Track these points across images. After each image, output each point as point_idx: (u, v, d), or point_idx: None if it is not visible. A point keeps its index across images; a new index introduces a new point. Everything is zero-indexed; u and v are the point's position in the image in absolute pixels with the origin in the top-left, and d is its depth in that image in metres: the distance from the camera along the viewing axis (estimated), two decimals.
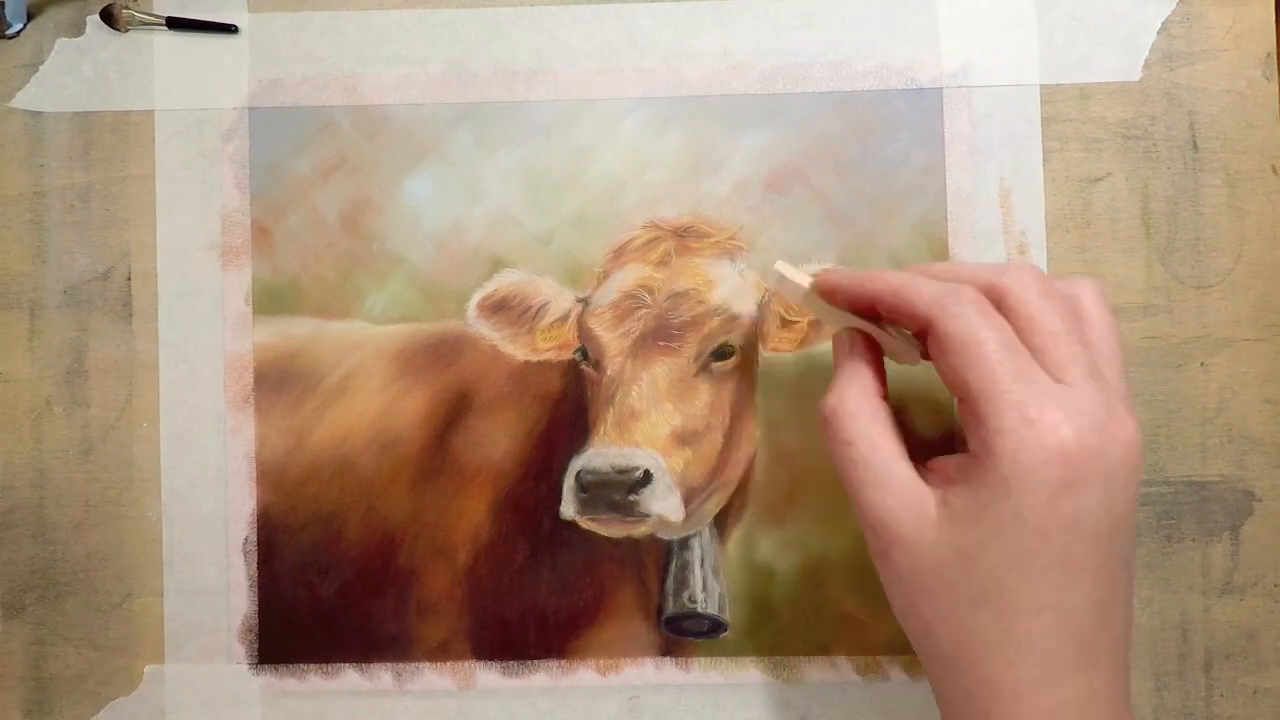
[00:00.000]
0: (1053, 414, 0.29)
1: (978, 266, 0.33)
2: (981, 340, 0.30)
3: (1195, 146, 0.41)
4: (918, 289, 0.31)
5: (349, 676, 0.40)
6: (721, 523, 0.40)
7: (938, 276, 0.32)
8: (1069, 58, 0.41)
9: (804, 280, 0.34)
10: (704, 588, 0.40)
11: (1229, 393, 0.40)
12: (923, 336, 0.32)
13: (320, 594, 0.40)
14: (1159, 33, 0.41)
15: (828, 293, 0.34)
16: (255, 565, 0.40)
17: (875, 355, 0.34)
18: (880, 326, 0.34)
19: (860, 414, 0.32)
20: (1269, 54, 0.41)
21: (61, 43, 0.41)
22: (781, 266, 0.35)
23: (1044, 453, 0.29)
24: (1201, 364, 0.40)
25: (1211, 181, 0.41)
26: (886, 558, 0.31)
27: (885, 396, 0.33)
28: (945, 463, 0.32)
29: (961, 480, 0.30)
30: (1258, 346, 0.40)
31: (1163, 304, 0.40)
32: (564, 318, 0.41)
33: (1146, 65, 0.41)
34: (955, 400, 0.31)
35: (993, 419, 0.29)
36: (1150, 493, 0.40)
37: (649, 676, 0.40)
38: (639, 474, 0.39)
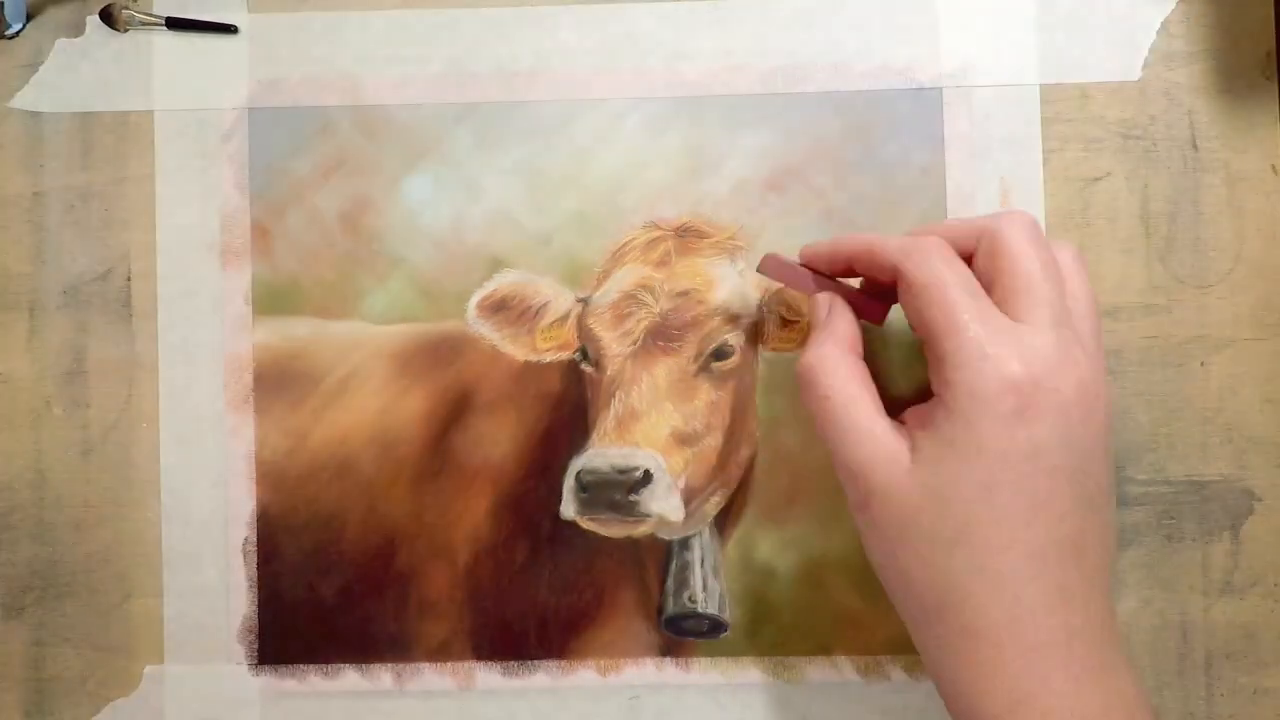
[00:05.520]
0: (1006, 349, 0.30)
1: (978, 217, 0.34)
2: (942, 283, 0.32)
3: (1195, 146, 0.41)
4: (886, 242, 0.34)
5: (349, 677, 0.40)
6: (721, 523, 0.40)
7: (934, 231, 0.34)
8: (1069, 57, 0.41)
9: (789, 259, 0.37)
10: (704, 588, 0.40)
11: (1229, 392, 0.40)
12: (894, 287, 0.34)
13: (320, 594, 0.40)
14: (1158, 32, 0.41)
15: (811, 259, 0.36)
16: (255, 566, 0.40)
17: (849, 315, 0.35)
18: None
19: (836, 370, 0.33)
20: (1268, 53, 0.41)
21: (61, 43, 0.41)
22: (771, 254, 0.37)
23: (997, 384, 0.30)
24: (1201, 363, 0.40)
25: (1211, 181, 0.41)
26: (865, 508, 0.32)
27: (860, 354, 0.35)
28: (916, 410, 0.33)
29: (930, 423, 0.32)
30: (1258, 346, 0.40)
31: (1163, 304, 0.40)
32: (564, 318, 0.41)
33: (1146, 65, 0.41)
34: (924, 345, 0.33)
35: (951, 356, 0.31)
36: (1150, 492, 0.40)
37: (649, 676, 0.40)
38: (639, 474, 0.39)
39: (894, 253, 0.33)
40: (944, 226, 0.35)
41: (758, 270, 0.37)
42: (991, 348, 0.30)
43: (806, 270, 0.37)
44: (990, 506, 0.30)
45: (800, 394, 0.34)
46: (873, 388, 0.34)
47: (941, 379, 0.31)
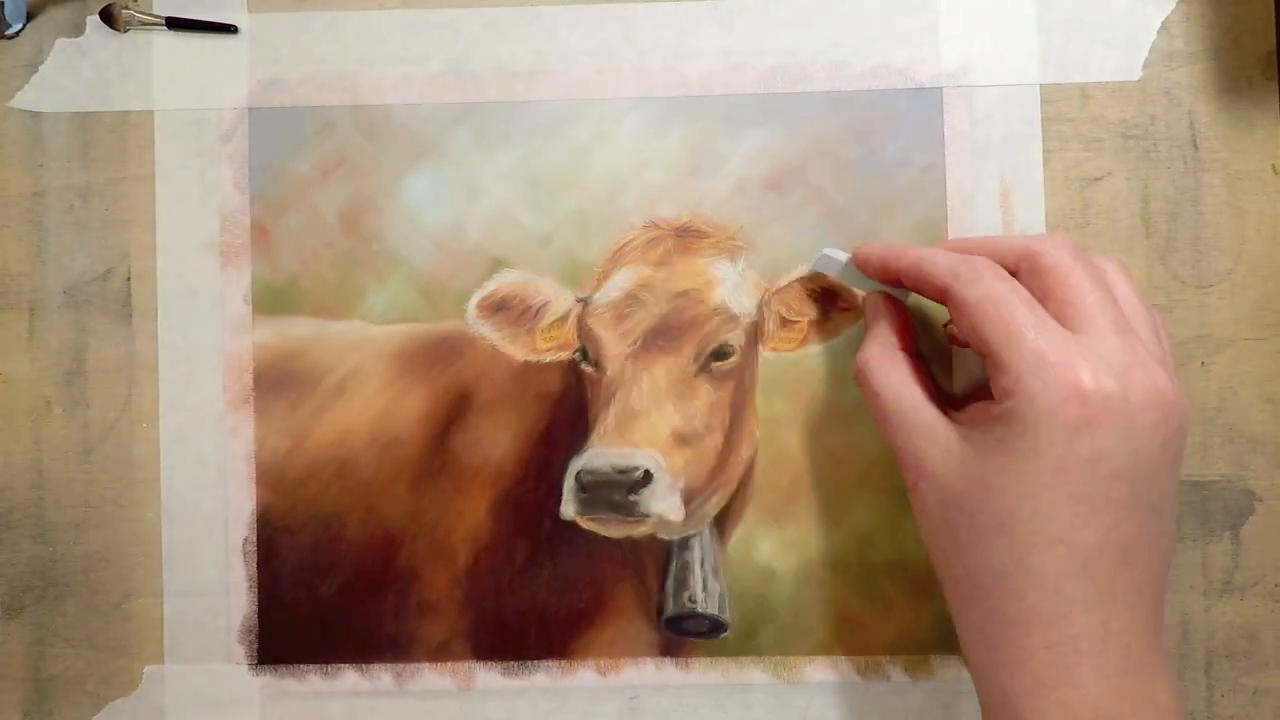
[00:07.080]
0: (1071, 358, 0.30)
1: (1014, 237, 0.35)
2: (996, 298, 0.32)
3: (1195, 146, 0.41)
4: (935, 261, 0.34)
5: (349, 677, 0.40)
6: (721, 523, 0.40)
7: (972, 249, 0.35)
8: (1069, 57, 0.41)
9: (843, 256, 0.38)
10: (704, 588, 0.40)
11: (1229, 392, 0.40)
12: (944, 303, 0.34)
13: (320, 594, 0.40)
14: (1159, 32, 0.41)
15: (863, 263, 0.37)
16: (255, 566, 0.40)
17: (898, 314, 0.37)
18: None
19: (882, 366, 0.35)
20: (1269, 53, 0.41)
21: (61, 43, 0.41)
22: (828, 250, 0.39)
23: (1061, 391, 0.30)
24: (1202, 364, 0.40)
25: (1212, 181, 0.41)
26: (915, 490, 0.34)
27: (909, 349, 0.36)
28: (973, 407, 0.34)
29: (986, 420, 0.32)
30: (1258, 346, 0.40)
31: (1163, 304, 0.40)
32: (564, 318, 0.41)
33: (1146, 64, 0.41)
34: (982, 358, 0.33)
35: (1013, 365, 0.31)
36: None
37: (649, 676, 0.40)
38: (639, 474, 0.39)
39: (943, 273, 0.33)
40: (980, 243, 0.35)
41: (817, 268, 0.39)
42: (1055, 356, 0.30)
43: (857, 271, 0.38)
44: (1035, 505, 0.30)
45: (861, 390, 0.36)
46: (923, 379, 0.35)
47: (1002, 387, 0.31)
